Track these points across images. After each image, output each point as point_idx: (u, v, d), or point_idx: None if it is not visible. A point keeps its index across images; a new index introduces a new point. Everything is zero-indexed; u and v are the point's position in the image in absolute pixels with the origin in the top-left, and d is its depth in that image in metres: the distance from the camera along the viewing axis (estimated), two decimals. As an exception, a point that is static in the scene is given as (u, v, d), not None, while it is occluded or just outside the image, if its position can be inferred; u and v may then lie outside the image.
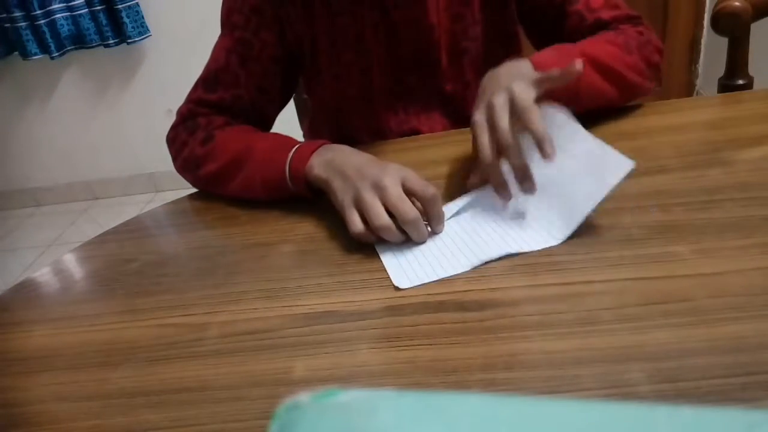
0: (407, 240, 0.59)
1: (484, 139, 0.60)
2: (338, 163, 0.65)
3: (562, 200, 0.58)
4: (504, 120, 0.58)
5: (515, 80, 0.60)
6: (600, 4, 0.80)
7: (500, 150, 0.59)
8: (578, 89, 0.69)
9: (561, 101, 0.63)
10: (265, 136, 0.78)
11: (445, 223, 0.61)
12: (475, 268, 0.54)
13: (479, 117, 0.61)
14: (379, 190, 0.58)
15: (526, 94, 0.59)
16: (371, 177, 0.60)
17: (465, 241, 0.58)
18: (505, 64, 0.68)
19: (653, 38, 0.80)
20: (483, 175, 0.64)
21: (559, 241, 0.55)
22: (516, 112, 0.58)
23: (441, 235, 0.60)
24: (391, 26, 0.81)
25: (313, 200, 0.69)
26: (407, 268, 0.56)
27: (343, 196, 0.61)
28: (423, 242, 0.59)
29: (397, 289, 0.53)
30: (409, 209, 0.57)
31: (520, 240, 0.57)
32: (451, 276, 0.54)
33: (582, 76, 0.65)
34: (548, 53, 0.71)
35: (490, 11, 0.84)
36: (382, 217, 0.57)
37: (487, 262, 0.54)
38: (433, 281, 0.53)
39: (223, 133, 0.77)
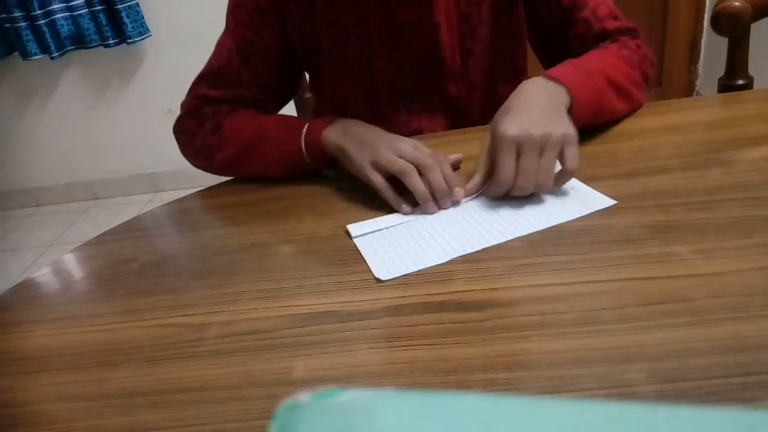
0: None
1: (510, 163, 0.61)
2: (353, 131, 0.72)
3: (540, 207, 0.62)
4: (534, 164, 0.60)
5: (554, 127, 0.61)
6: (606, 14, 0.82)
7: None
8: (601, 111, 0.72)
9: (584, 122, 0.68)
10: (274, 117, 0.82)
11: (421, 217, 0.64)
12: (453, 261, 0.55)
13: (511, 136, 0.60)
14: (396, 150, 0.66)
15: (571, 155, 0.61)
16: (387, 141, 0.68)
17: (442, 234, 0.60)
18: (541, 84, 0.68)
19: (649, 52, 0.83)
20: (492, 187, 0.64)
21: (529, 232, 0.58)
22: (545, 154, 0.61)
23: (419, 229, 0.62)
24: (396, 26, 0.81)
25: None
26: (387, 261, 0.57)
27: (361, 159, 0.68)
28: (443, 191, 0.64)
29: (378, 281, 0.54)
30: (425, 155, 0.65)
31: (497, 233, 0.58)
32: (429, 267, 0.55)
33: (605, 101, 0.73)
34: (575, 76, 0.70)
35: (499, 12, 0.83)
36: (401, 163, 0.65)
37: (464, 255, 0.56)
38: (413, 272, 0.55)
39: (231, 120, 0.81)
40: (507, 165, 0.61)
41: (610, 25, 0.82)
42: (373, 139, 0.69)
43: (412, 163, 0.65)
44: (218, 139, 0.80)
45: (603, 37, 0.83)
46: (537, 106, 0.64)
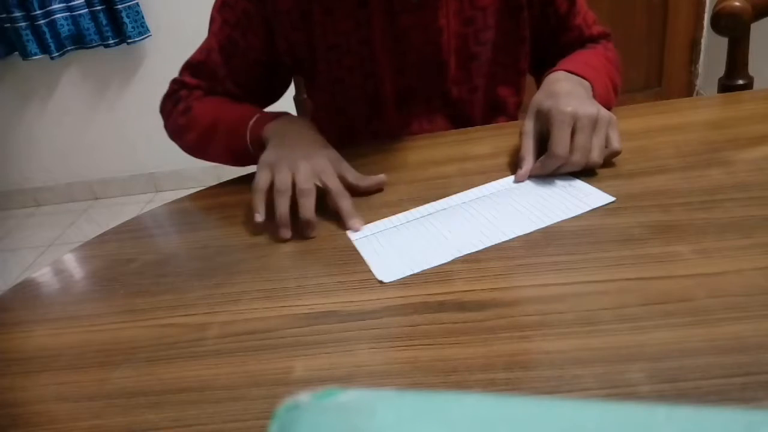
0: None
1: (567, 138, 0.64)
2: (286, 131, 0.72)
3: (539, 206, 0.62)
4: (588, 141, 0.64)
5: (600, 108, 0.66)
6: (592, 21, 0.89)
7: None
8: (607, 107, 0.76)
9: None
10: (236, 106, 0.83)
11: (421, 217, 0.64)
12: (455, 260, 0.55)
13: (569, 112, 0.64)
14: (294, 167, 0.65)
15: (616, 137, 0.66)
16: (300, 154, 0.67)
17: (442, 234, 0.60)
18: (569, 77, 0.73)
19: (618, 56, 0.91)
20: (544, 165, 0.66)
21: (529, 231, 0.58)
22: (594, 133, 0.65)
23: (419, 229, 0.62)
24: (400, 31, 0.80)
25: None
26: (389, 263, 0.57)
27: (267, 156, 0.68)
28: (282, 219, 0.63)
29: (381, 283, 0.54)
30: (305, 181, 0.63)
31: (498, 232, 0.59)
32: (431, 267, 0.55)
33: (610, 97, 0.78)
34: (591, 72, 0.75)
35: (504, 17, 0.83)
36: (280, 180, 0.64)
37: (466, 255, 0.56)
38: (415, 273, 0.55)
39: (200, 104, 0.84)
40: (563, 139, 0.63)
41: (596, 30, 0.88)
42: (294, 146, 0.69)
43: (293, 184, 0.64)
44: (186, 120, 0.83)
45: (590, 42, 0.88)
46: (578, 93, 0.68)
